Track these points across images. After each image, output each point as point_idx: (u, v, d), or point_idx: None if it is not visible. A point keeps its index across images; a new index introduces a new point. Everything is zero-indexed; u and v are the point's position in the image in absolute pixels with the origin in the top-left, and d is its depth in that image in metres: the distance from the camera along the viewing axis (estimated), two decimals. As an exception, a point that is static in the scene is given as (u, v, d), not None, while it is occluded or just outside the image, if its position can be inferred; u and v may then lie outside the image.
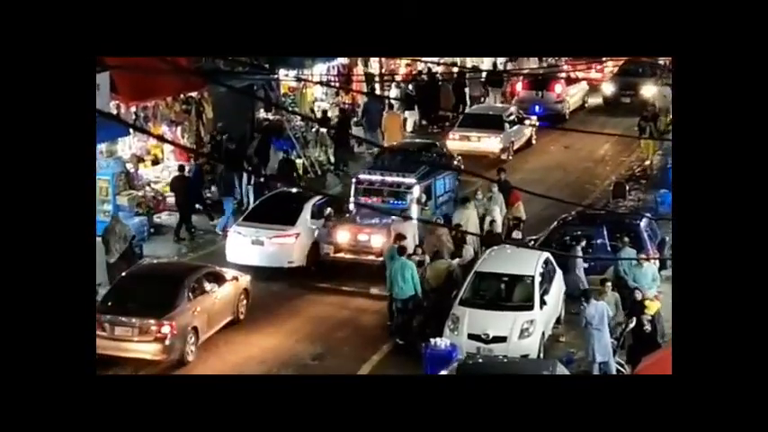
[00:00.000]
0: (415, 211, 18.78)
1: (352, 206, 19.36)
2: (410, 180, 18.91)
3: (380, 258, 17.81)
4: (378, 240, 18.16)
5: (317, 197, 18.88)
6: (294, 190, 20.34)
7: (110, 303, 14.94)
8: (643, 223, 17.82)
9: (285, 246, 17.82)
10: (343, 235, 18.34)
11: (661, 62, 28.41)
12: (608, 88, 29.12)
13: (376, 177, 19.28)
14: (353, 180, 19.82)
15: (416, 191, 18.71)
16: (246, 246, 17.69)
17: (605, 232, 17.61)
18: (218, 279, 15.99)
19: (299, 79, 25.50)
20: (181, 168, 20.26)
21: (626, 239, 16.97)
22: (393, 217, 18.13)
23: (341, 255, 18.36)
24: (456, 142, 23.79)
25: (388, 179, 19.12)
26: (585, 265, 17.08)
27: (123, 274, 16.22)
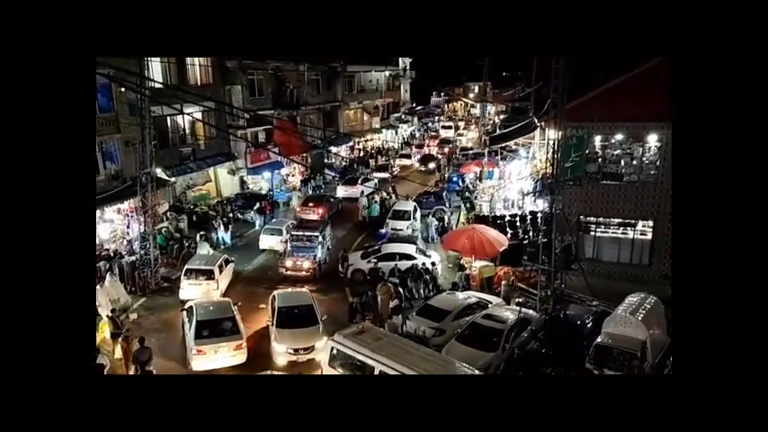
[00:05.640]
0: (319, 247, 26.14)
1: (289, 246, 25.78)
2: (315, 233, 26.49)
3: (309, 273, 24.79)
4: (306, 264, 25.09)
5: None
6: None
7: (304, 204, 35.16)
8: (444, 193, 37.34)
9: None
10: (288, 262, 25.30)
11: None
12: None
13: (301, 233, 26.56)
14: (290, 235, 26.68)
15: (319, 238, 26.53)
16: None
17: (432, 197, 36.32)
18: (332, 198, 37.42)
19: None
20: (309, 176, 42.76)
21: (436, 198, 36.02)
22: (314, 251, 25.36)
23: (289, 272, 24.99)
24: (398, 161, 50.50)
25: (306, 233, 26.39)
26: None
27: (306, 196, 38.09)
